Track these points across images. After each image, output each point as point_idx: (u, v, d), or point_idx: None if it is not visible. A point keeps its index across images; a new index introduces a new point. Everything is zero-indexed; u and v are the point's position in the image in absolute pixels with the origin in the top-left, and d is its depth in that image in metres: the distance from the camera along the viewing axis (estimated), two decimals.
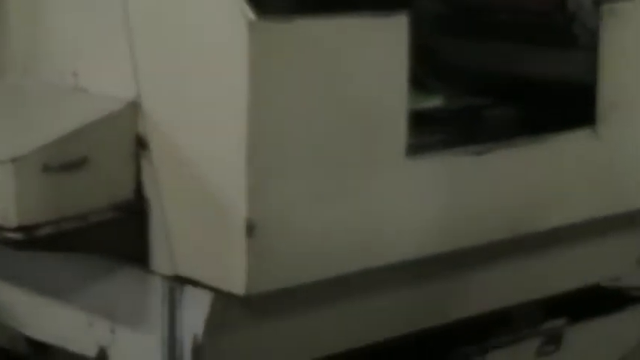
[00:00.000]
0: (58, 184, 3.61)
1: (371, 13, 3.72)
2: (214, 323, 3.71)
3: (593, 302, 4.89)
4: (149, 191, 3.75)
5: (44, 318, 4.29)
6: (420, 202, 3.92)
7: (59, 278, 4.15)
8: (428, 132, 4.12)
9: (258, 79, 3.39)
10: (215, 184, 3.55)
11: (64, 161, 3.60)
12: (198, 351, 3.76)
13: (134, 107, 3.69)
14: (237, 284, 3.52)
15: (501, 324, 4.65)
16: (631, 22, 4.42)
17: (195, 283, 3.70)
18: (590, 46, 4.47)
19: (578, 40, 4.65)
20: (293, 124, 3.54)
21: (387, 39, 3.74)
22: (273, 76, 3.45)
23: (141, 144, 3.71)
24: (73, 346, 4.16)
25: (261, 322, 3.81)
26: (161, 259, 3.76)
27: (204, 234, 3.64)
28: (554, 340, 4.75)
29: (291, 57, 3.50)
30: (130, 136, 3.72)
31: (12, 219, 3.58)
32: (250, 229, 3.43)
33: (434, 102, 4.44)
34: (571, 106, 4.43)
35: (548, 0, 4.79)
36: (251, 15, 3.33)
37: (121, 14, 3.70)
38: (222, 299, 3.64)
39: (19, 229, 3.59)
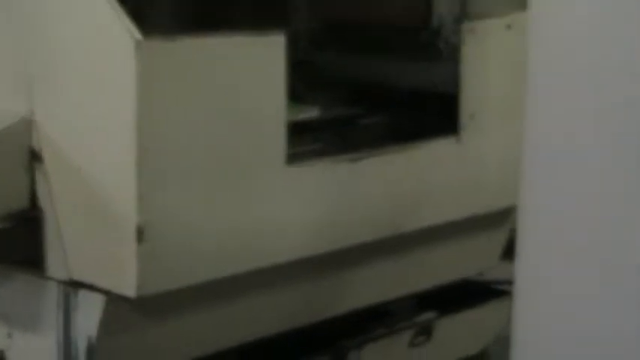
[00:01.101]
0: None
1: (250, 33, 3.75)
2: (107, 325, 3.70)
3: (460, 296, 4.96)
4: (43, 201, 3.70)
5: None
6: (300, 207, 3.94)
7: None
8: (306, 141, 4.15)
9: (145, 94, 3.39)
10: (106, 192, 3.55)
11: None
12: (92, 352, 3.74)
13: (28, 122, 3.65)
14: (128, 287, 3.51)
15: (377, 318, 4.68)
16: (489, 39, 4.48)
17: (88, 287, 3.67)
18: (453, 60, 4.53)
19: (442, 54, 4.71)
20: (179, 135, 3.54)
21: (266, 56, 3.76)
22: (159, 91, 3.45)
23: (35, 157, 3.67)
24: None
25: (152, 322, 3.78)
26: (56, 265, 3.72)
27: (96, 240, 3.62)
28: (426, 331, 4.79)
29: (176, 73, 3.51)
30: (24, 150, 3.68)
31: None
32: (140, 234, 3.44)
33: (311, 113, 4.48)
34: (437, 115, 4.50)
35: (414, 17, 4.83)
36: (137, 35, 3.34)
37: (12, 31, 3.67)
38: (115, 302, 3.62)
39: None
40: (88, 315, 3.71)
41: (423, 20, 4.78)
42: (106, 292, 3.61)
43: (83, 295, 3.71)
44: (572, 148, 2.67)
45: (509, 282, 2.93)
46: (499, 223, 4.79)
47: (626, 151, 2.58)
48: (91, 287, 3.65)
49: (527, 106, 2.77)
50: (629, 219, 2.58)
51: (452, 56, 4.56)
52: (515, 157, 2.85)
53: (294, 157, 3.87)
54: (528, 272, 2.80)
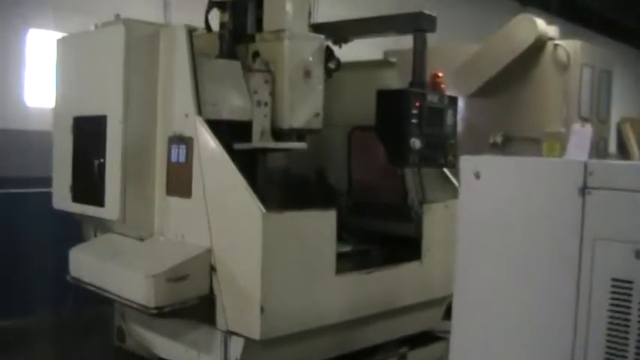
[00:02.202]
0: (174, 288, 3.58)
1: (318, 208, 3.76)
2: (246, 352, 3.65)
3: (421, 339, 4.68)
4: (216, 290, 3.69)
5: (166, 347, 4.13)
6: (341, 295, 3.87)
7: (173, 329, 4.02)
8: (345, 262, 3.99)
9: (267, 240, 3.40)
10: (247, 289, 3.52)
11: (177, 276, 3.59)
12: None
13: (209, 251, 3.66)
14: (255, 334, 3.50)
15: (378, 349, 4.42)
16: (436, 212, 4.39)
17: (236, 334, 3.66)
18: (418, 222, 4.42)
19: (413, 219, 4.62)
20: (283, 262, 3.51)
21: (327, 220, 3.73)
22: (273, 238, 3.44)
23: (213, 269, 3.66)
24: None
25: (267, 350, 3.70)
26: (221, 322, 3.70)
27: (241, 311, 3.60)
28: (403, 357, 4.54)
29: (282, 229, 3.50)
30: (208, 265, 3.67)
31: (151, 303, 3.56)
32: (262, 309, 3.44)
33: (346, 248, 4.29)
34: (410, 249, 4.35)
35: (399, 199, 4.72)
36: (263, 209, 3.37)
37: (204, 213, 3.66)
38: (249, 341, 3.60)
39: (155, 308, 3.57)
40: (236, 347, 3.67)
41: (403, 201, 4.70)
42: (245, 337, 3.59)
43: (234, 338, 3.67)
44: (478, 264, 2.63)
45: (447, 332, 2.77)
46: (441, 302, 4.50)
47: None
48: (238, 334, 3.63)
49: (458, 246, 2.72)
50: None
51: (418, 220, 4.45)
52: (449, 270, 2.76)
53: (339, 270, 3.81)
54: (457, 328, 2.73)
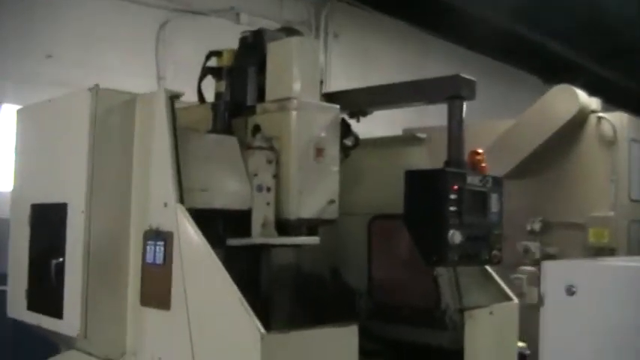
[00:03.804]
0: None
1: (335, 324, 2.98)
2: None
3: None
4: None
5: None
6: None
7: None
8: None
9: None
10: None
11: None
12: None
13: None
14: None
15: None
16: (481, 320, 3.64)
17: None
18: (456, 330, 3.70)
19: (448, 325, 3.84)
20: None
21: (347, 339, 2.97)
22: None
23: None
24: None
25: None
26: None
27: None
28: None
29: (288, 352, 2.74)
30: None
31: None
32: None
33: None
34: None
35: (428, 301, 3.95)
36: (262, 329, 2.65)
37: (186, 330, 2.90)
38: None
39: None
40: None
41: (435, 304, 3.93)
42: None
43: None
44: None
45: None
46: None
47: None
48: None
49: None
50: None
51: (454, 328, 3.74)
52: None
53: None
54: None
